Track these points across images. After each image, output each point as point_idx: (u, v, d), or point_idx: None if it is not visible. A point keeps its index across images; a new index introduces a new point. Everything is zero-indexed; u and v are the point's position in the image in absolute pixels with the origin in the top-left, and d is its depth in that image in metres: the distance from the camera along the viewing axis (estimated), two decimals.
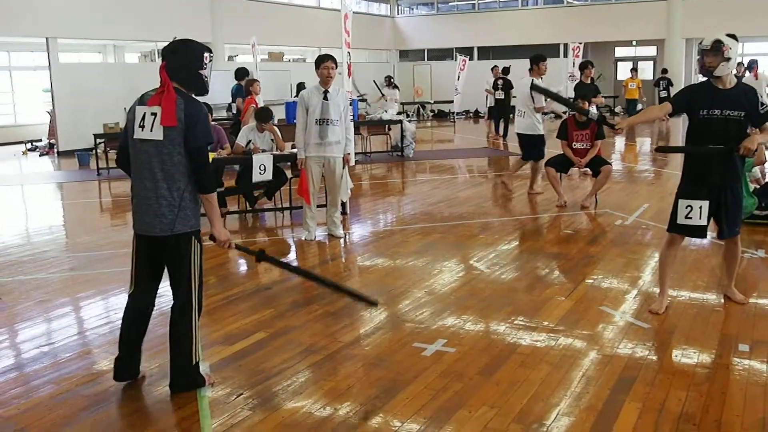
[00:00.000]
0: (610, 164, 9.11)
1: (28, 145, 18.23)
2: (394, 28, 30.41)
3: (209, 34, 21.08)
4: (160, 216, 3.67)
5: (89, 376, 4.17)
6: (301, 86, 18.96)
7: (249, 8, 22.47)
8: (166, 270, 3.93)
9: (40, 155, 17.39)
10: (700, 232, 4.93)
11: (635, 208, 8.77)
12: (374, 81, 20.56)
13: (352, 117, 10.13)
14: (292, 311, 5.26)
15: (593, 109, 10.93)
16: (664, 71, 23.25)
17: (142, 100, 3.72)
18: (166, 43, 3.69)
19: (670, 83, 22.12)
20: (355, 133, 13.59)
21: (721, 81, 4.74)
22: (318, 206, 7.69)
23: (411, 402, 3.75)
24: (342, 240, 7.50)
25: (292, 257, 7.12)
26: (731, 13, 23.98)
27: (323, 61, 7.10)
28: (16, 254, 7.28)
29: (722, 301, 5.30)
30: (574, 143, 8.98)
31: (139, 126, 3.66)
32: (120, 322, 4.04)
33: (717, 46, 4.63)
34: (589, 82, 11.17)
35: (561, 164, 9.14)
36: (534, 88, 5.49)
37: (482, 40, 28.21)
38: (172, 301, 3.88)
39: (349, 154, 7.48)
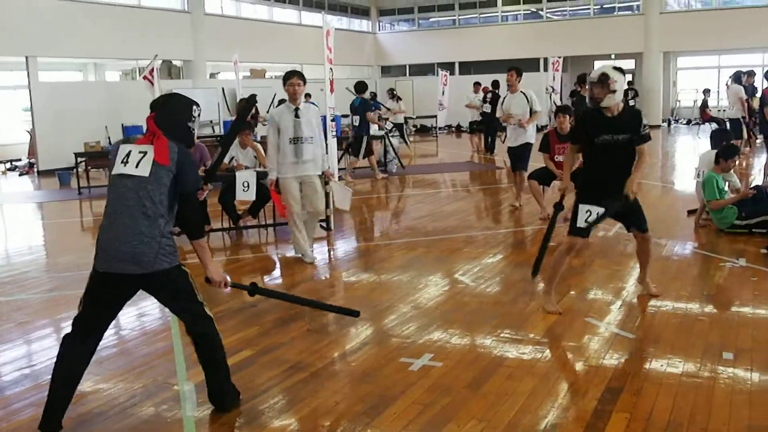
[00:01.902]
0: None
1: (8, 165, 18.09)
2: (376, 44, 30.57)
3: (191, 52, 21.08)
4: (139, 254, 3.49)
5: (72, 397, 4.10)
6: (282, 101, 19.05)
7: (231, 25, 22.53)
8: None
9: (20, 174, 17.26)
10: (585, 232, 5.26)
11: None
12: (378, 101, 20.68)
13: (334, 132, 10.18)
14: (277, 328, 5.23)
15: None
16: (630, 83, 23.66)
17: (128, 141, 3.68)
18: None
19: (636, 94, 22.51)
20: (339, 149, 13.72)
21: (609, 109, 5.14)
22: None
23: (399, 417, 3.73)
24: (327, 256, 7.42)
25: (276, 274, 7.10)
26: (708, 26, 24.37)
27: (289, 78, 6.89)
28: None
29: (705, 309, 5.34)
30: (556, 156, 9.02)
31: (122, 162, 3.58)
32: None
33: (603, 79, 5.05)
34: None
35: (543, 177, 9.18)
36: None
37: (463, 55, 28.42)
38: (192, 330, 3.76)
39: (328, 169, 7.31)
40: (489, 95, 17.79)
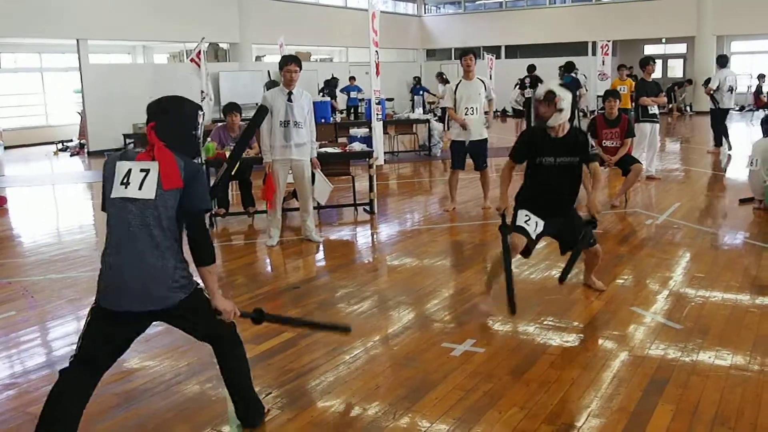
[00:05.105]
0: (640, 163, 8.99)
1: (59, 146, 18.49)
2: (421, 27, 30.38)
3: (237, 35, 21.23)
4: (150, 291, 3.10)
5: (119, 374, 4.19)
6: (332, 82, 19.26)
7: (276, 8, 22.59)
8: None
9: (71, 155, 17.62)
10: (527, 234, 4.93)
11: (666, 207, 8.66)
12: (426, 90, 20.88)
13: (380, 115, 10.17)
14: (320, 310, 5.26)
15: (654, 109, 10.73)
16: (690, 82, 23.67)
17: (126, 156, 3.22)
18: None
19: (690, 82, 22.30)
20: (383, 133, 13.73)
21: (554, 129, 4.88)
22: (285, 210, 7.70)
23: (440, 402, 3.73)
24: (370, 240, 7.44)
25: (320, 256, 7.13)
26: (764, 9, 23.59)
27: (286, 64, 6.96)
28: (48, 253, 7.37)
29: (756, 301, 5.21)
30: (603, 141, 8.87)
31: (122, 183, 3.11)
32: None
33: (550, 97, 4.76)
34: (650, 79, 10.76)
35: None
36: None
37: (509, 39, 28.08)
38: (213, 347, 3.45)
39: (315, 157, 7.28)
40: (528, 80, 17.58)
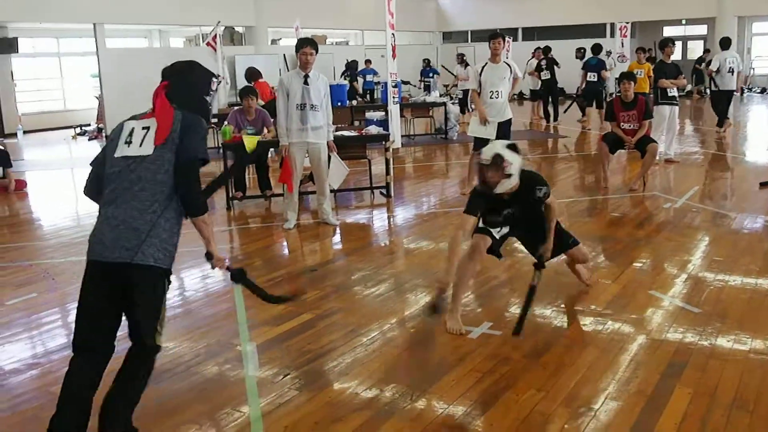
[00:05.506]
0: (656, 143, 8.89)
1: (78, 130, 18.57)
2: (438, 9, 30.14)
3: (253, 18, 21.19)
4: (121, 240, 3.00)
5: None
6: (352, 65, 19.18)
7: None
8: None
9: (89, 139, 17.70)
10: (494, 243, 4.71)
11: (684, 190, 8.59)
12: (442, 65, 20.59)
13: (396, 98, 10.13)
14: (337, 293, 5.29)
15: (674, 91, 10.63)
16: (706, 50, 23.00)
17: (134, 117, 3.26)
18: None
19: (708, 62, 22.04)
20: (400, 116, 13.69)
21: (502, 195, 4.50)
22: (302, 193, 7.77)
23: (457, 384, 3.74)
24: (386, 223, 7.45)
25: (336, 239, 7.15)
26: None
27: (302, 46, 6.96)
28: (68, 236, 7.45)
29: None
30: (621, 123, 8.78)
31: (125, 142, 3.13)
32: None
33: (498, 161, 4.34)
34: (669, 61, 10.71)
35: (614, 142, 8.90)
36: None
37: (527, 21, 27.79)
38: (132, 342, 3.21)
39: (331, 140, 7.29)
40: (544, 61, 17.40)
